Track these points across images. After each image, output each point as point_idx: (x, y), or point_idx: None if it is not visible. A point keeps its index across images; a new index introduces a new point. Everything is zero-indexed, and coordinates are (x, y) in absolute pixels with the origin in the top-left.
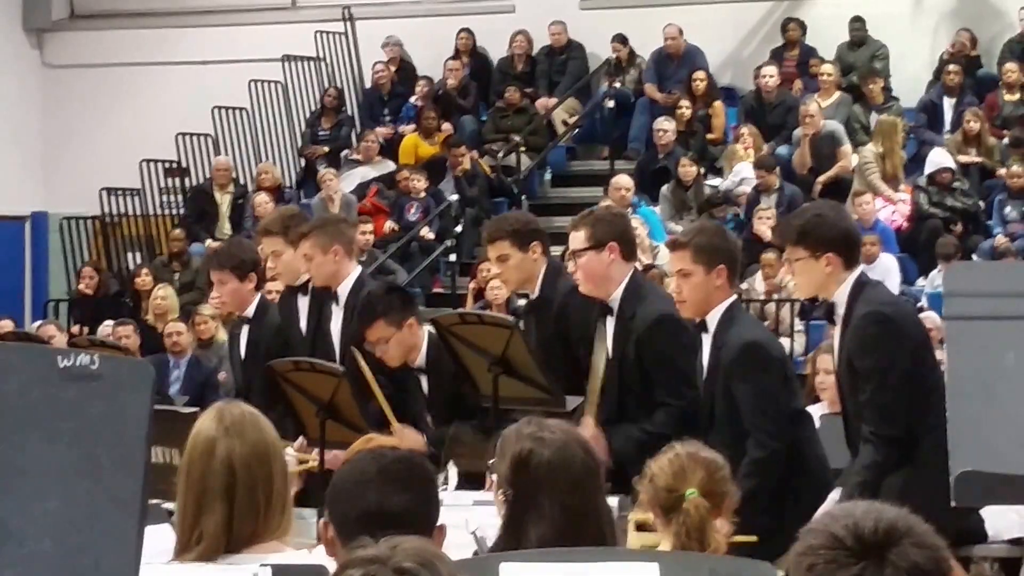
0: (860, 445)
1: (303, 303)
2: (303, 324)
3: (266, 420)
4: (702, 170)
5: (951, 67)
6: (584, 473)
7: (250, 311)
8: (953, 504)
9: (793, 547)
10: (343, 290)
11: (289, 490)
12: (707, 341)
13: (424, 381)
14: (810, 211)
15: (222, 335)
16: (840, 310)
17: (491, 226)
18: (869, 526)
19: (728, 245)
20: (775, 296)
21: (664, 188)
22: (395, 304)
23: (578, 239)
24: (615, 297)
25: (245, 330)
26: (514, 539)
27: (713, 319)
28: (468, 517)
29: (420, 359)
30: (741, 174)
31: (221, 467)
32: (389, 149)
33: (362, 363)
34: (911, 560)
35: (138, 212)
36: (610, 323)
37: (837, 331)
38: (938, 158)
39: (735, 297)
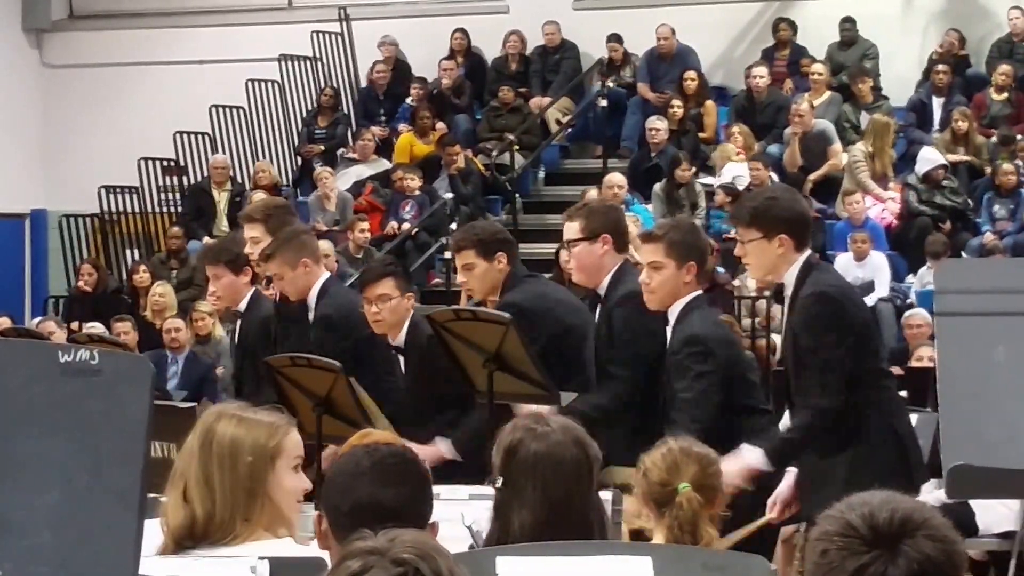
0: (797, 411)
1: None
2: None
3: (235, 426)
4: (694, 169)
5: (940, 67)
6: (572, 467)
7: (243, 305)
8: (948, 500)
9: (810, 532)
10: (311, 300)
11: (244, 494)
12: (669, 333)
13: (403, 362)
14: (764, 193)
15: (219, 331)
16: (788, 291)
17: (458, 235)
18: (885, 516)
19: (700, 243)
20: (766, 293)
21: (656, 186)
22: (403, 273)
23: (572, 230)
24: (603, 287)
25: (239, 323)
26: (502, 528)
27: (674, 311)
28: (463, 511)
29: (400, 338)
30: (733, 172)
31: (173, 469)
32: (384, 148)
33: (361, 393)
34: (924, 552)
35: (136, 210)
36: (599, 313)
37: (785, 312)
38: (930, 155)
39: (699, 292)
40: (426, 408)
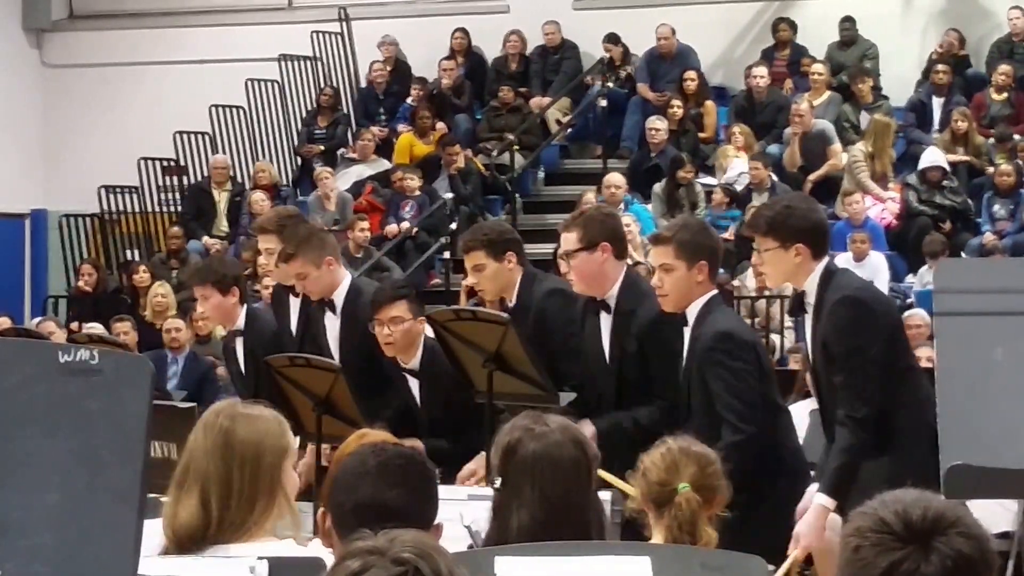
0: (836, 429)
1: (295, 303)
2: (294, 325)
3: (250, 424)
4: (695, 170)
5: (940, 67)
6: (570, 467)
7: (240, 323)
8: (943, 495)
9: (843, 528)
10: (338, 298)
11: (262, 491)
12: (687, 334)
13: (416, 385)
14: (780, 202)
15: (219, 331)
16: (810, 299)
17: (466, 236)
18: (918, 513)
19: (710, 241)
20: (766, 293)
21: (656, 186)
22: (416, 296)
23: (570, 240)
24: (611, 294)
25: (239, 343)
26: (501, 528)
27: (692, 312)
28: (462, 511)
29: (414, 362)
30: (738, 168)
31: (180, 468)
32: (384, 148)
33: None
34: (957, 549)
35: (136, 210)
36: (605, 319)
37: (808, 320)
38: (932, 156)
39: (715, 292)
40: (443, 429)
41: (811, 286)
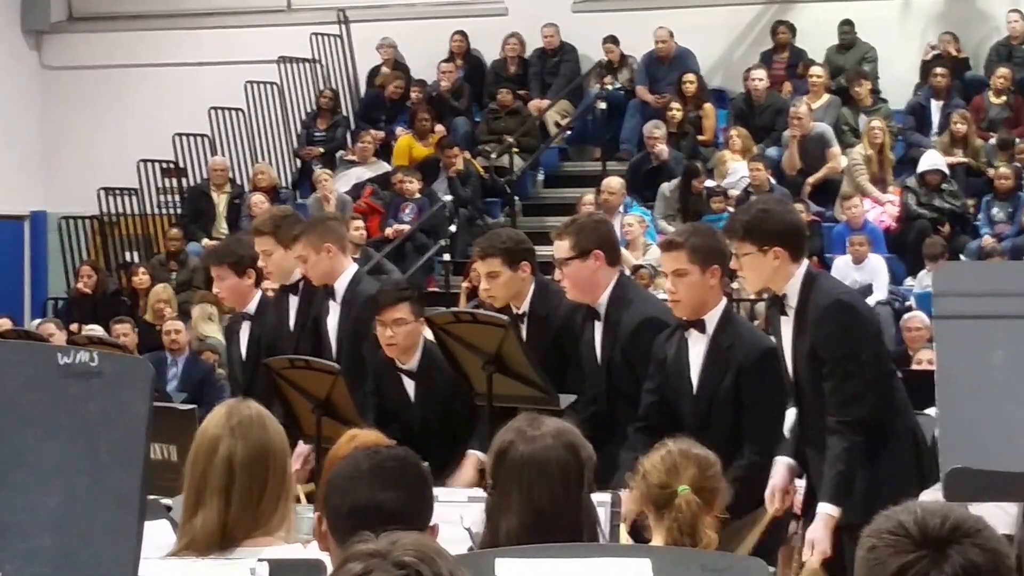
0: (827, 437)
1: (294, 302)
2: (292, 323)
3: (272, 421)
4: (703, 176)
5: (938, 70)
6: (558, 472)
7: (251, 307)
8: (944, 499)
9: (864, 529)
10: (340, 286)
11: (286, 488)
12: (702, 341)
13: (411, 386)
14: (756, 205)
15: (217, 329)
16: (792, 302)
17: (484, 243)
18: (936, 521)
19: (721, 246)
20: (764, 295)
21: (664, 186)
22: (418, 298)
23: (562, 248)
24: (601, 302)
25: (245, 326)
26: (492, 533)
27: (711, 320)
28: (463, 513)
29: (412, 363)
30: (739, 173)
31: (221, 466)
32: (384, 150)
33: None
34: (970, 559)
35: (136, 212)
36: (598, 328)
37: (789, 324)
38: (931, 159)
39: (725, 300)
40: (436, 430)
41: (792, 290)
